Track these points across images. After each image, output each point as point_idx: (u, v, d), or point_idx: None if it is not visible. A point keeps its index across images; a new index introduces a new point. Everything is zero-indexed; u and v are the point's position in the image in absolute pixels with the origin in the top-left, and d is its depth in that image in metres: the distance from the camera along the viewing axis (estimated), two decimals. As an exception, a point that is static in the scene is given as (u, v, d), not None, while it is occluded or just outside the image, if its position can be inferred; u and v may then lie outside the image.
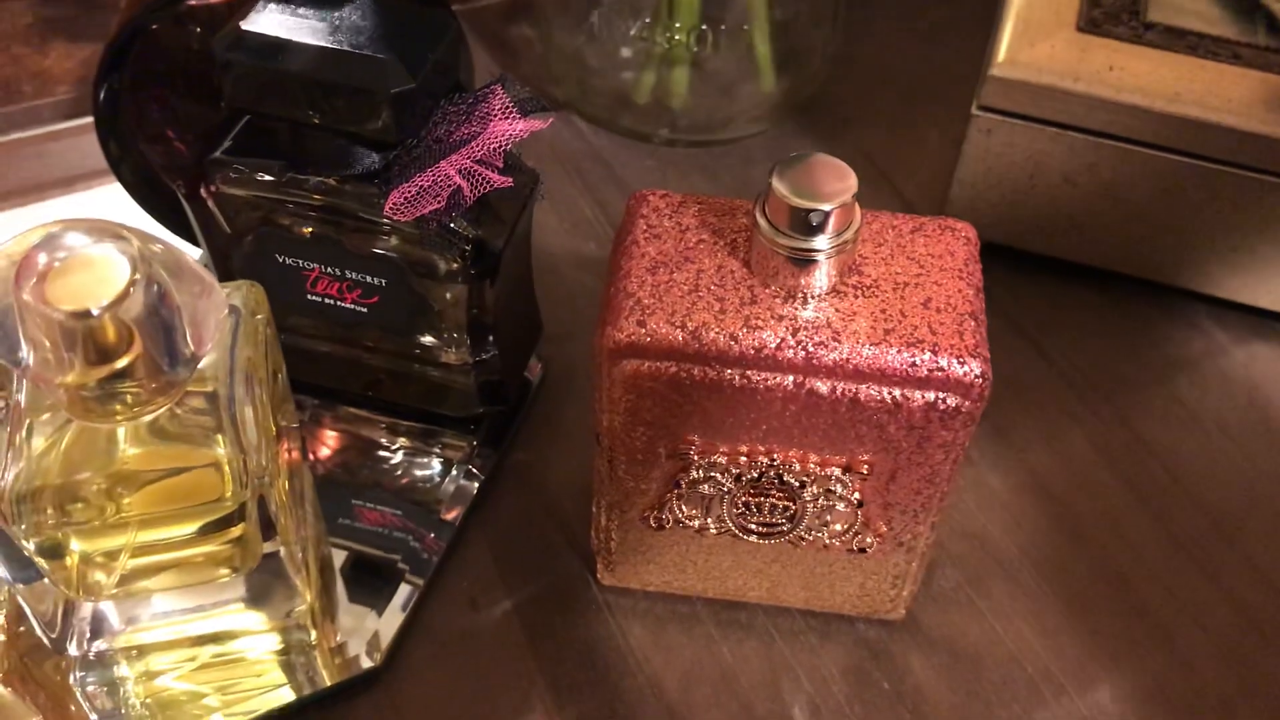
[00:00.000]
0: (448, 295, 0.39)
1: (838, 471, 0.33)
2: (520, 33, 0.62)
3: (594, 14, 0.54)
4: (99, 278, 0.30)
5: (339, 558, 0.42)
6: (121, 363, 0.31)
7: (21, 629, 0.37)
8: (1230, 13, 0.47)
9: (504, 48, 0.61)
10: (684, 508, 0.35)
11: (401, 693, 0.38)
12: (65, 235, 0.31)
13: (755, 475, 0.33)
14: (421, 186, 0.34)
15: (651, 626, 0.39)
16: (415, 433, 0.45)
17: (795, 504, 0.34)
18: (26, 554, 0.33)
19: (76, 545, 0.34)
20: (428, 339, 0.41)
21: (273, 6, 0.35)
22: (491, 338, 0.40)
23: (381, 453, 0.45)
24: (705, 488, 0.34)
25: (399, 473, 0.44)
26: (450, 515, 0.42)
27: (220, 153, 0.38)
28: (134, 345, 0.31)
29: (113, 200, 0.47)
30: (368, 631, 0.39)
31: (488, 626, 0.39)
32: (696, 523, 0.36)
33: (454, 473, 0.43)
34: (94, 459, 0.33)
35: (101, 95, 0.42)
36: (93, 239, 0.31)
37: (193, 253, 0.43)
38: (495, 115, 0.35)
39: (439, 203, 0.34)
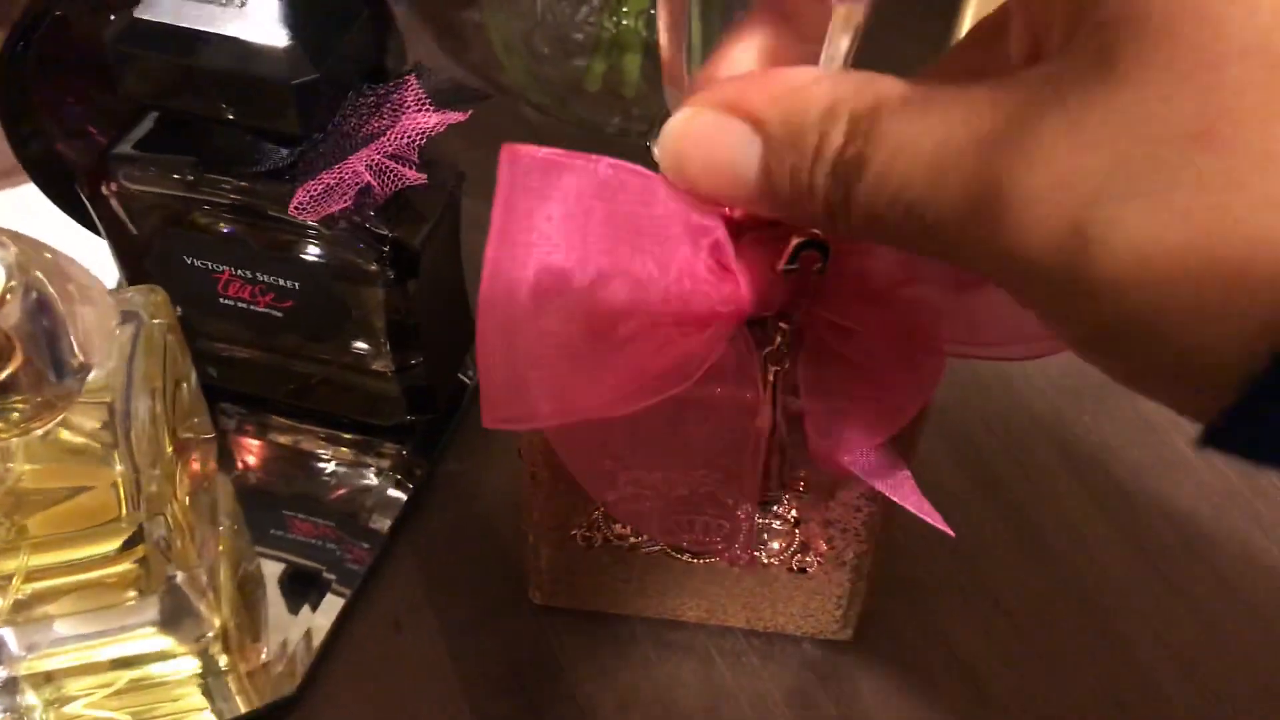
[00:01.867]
0: (368, 298, 0.37)
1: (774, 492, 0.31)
2: (470, 18, 0.59)
3: (541, -1, 0.52)
4: (-29, 287, 0.28)
5: (275, 569, 0.40)
6: (2, 375, 0.29)
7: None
8: None
9: (452, 34, 0.59)
10: (614, 526, 0.33)
11: (321, 716, 0.36)
12: (-63, 242, 0.29)
13: (685, 492, 0.31)
14: (328, 184, 0.32)
15: (586, 648, 0.37)
16: (348, 442, 0.43)
17: (729, 522, 0.32)
18: (-92, 582, 0.31)
19: (-33, 570, 0.33)
20: (358, 344, 0.39)
21: (170, -9, 0.33)
22: (417, 342, 0.38)
23: (314, 463, 0.43)
24: (633, 507, 0.32)
25: (332, 483, 0.42)
26: (379, 527, 0.40)
27: (126, 147, 0.36)
28: (14, 357, 0.29)
29: (32, 197, 0.44)
30: (291, 649, 0.37)
31: (412, 646, 0.37)
32: (628, 542, 0.34)
33: (385, 480, 0.41)
34: (-17, 478, 0.31)
35: (6, 86, 0.40)
36: (-35, 245, 0.29)
37: (105, 249, 0.41)
38: (409, 108, 0.33)
39: (347, 201, 0.32)
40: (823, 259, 0.26)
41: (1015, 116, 0.19)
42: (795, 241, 0.26)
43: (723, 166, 0.24)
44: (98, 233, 0.42)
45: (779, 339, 0.28)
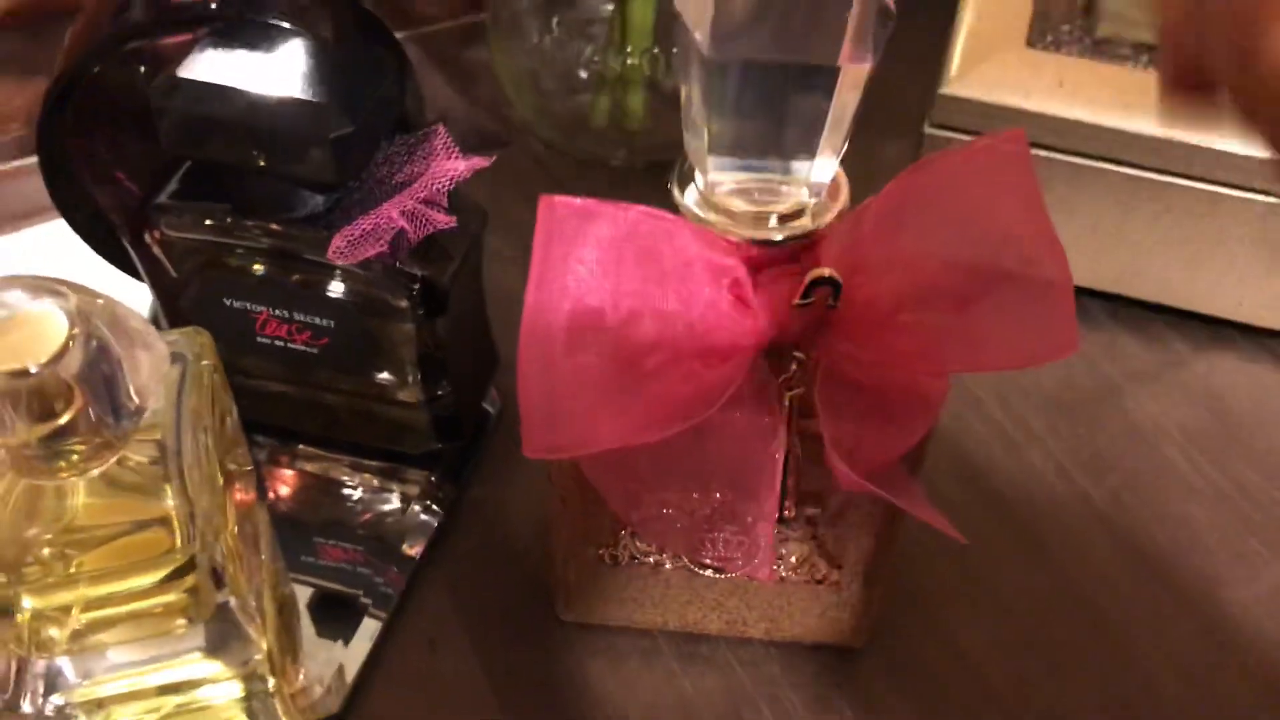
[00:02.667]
0: (398, 333, 0.39)
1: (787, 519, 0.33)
2: (477, 56, 0.61)
3: (547, 37, 0.54)
4: (36, 335, 0.30)
5: (305, 594, 0.41)
6: (63, 419, 0.31)
7: (-24, 687, 0.37)
8: (1180, 23, 0.47)
9: (460, 71, 0.61)
10: (638, 544, 0.35)
11: (363, 737, 0.38)
12: (2, 292, 0.30)
13: (708, 512, 0.33)
14: (364, 229, 0.34)
15: (612, 661, 0.39)
16: (376, 470, 0.45)
17: (749, 539, 0.34)
18: (-26, 616, 0.33)
19: (28, 602, 0.34)
20: (384, 376, 0.41)
21: (210, 50, 0.35)
22: (445, 374, 0.40)
23: (343, 490, 0.44)
24: (658, 526, 0.34)
25: (360, 510, 0.44)
26: (411, 551, 0.42)
27: (164, 197, 0.38)
28: (75, 401, 0.31)
29: (65, 239, 0.46)
30: (331, 671, 0.39)
31: (447, 664, 0.39)
32: (652, 559, 0.35)
33: (415, 507, 0.43)
34: (43, 514, 0.33)
35: (46, 138, 0.42)
36: (29, 296, 0.30)
37: (144, 293, 0.42)
38: (438, 154, 0.35)
39: (383, 246, 0.34)
40: (834, 294, 0.28)
41: None
42: (809, 278, 0.28)
43: None
44: (135, 276, 0.43)
45: (794, 367, 0.30)
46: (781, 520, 0.33)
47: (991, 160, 0.29)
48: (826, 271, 0.28)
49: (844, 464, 0.29)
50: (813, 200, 0.29)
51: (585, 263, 0.28)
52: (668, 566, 0.36)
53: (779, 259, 0.29)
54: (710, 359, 0.29)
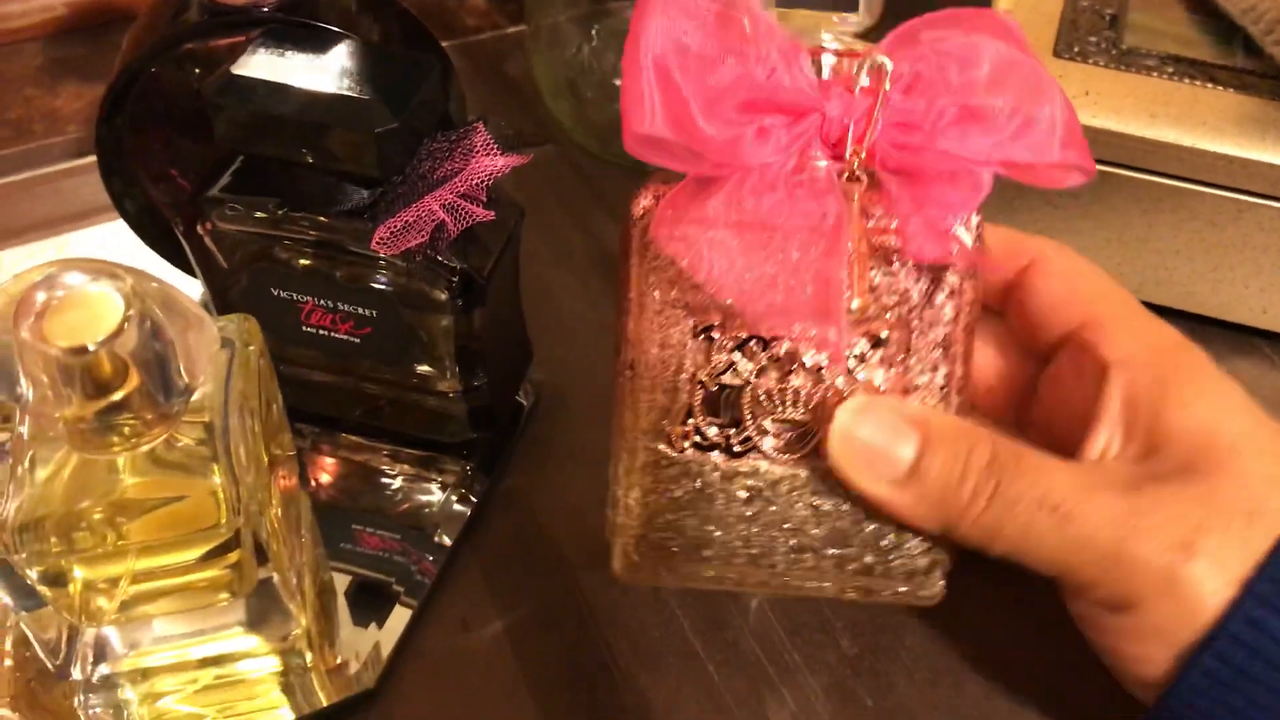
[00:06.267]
0: (437, 325, 0.40)
1: (859, 345, 0.34)
2: (515, 65, 0.63)
3: (585, 46, 0.55)
4: (94, 315, 0.32)
5: (344, 581, 0.43)
6: (118, 395, 0.32)
7: (28, 654, 0.38)
8: (1208, 35, 0.48)
9: (499, 80, 0.63)
10: (705, 419, 0.35)
11: (395, 712, 0.39)
12: (63, 274, 0.32)
13: (776, 356, 0.34)
14: (406, 221, 0.36)
15: (639, 646, 0.40)
16: (413, 459, 0.46)
17: (817, 389, 0.34)
18: (30, 583, 0.34)
19: (79, 573, 0.36)
20: (423, 368, 0.42)
21: (262, 51, 0.37)
22: (481, 365, 0.41)
23: (381, 479, 0.46)
24: (727, 377, 0.34)
25: (398, 498, 0.45)
26: (444, 539, 0.43)
27: (215, 190, 0.39)
28: (130, 379, 0.32)
29: (121, 236, 0.48)
30: (365, 652, 0.40)
31: (479, 648, 0.40)
32: (714, 430, 0.35)
33: (450, 496, 0.44)
34: (95, 488, 0.34)
35: (104, 136, 0.44)
36: (89, 277, 0.32)
37: (194, 286, 0.44)
38: (477, 151, 0.36)
39: (423, 237, 0.36)
40: (886, 77, 0.31)
41: (1139, 505, 0.32)
42: (865, 59, 0.31)
43: (878, 449, 0.33)
44: (186, 270, 0.45)
45: (855, 161, 0.32)
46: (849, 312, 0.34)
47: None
48: (880, 56, 0.31)
49: (909, 226, 0.31)
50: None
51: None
52: (736, 448, 0.35)
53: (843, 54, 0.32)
54: (776, 109, 0.31)
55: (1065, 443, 0.35)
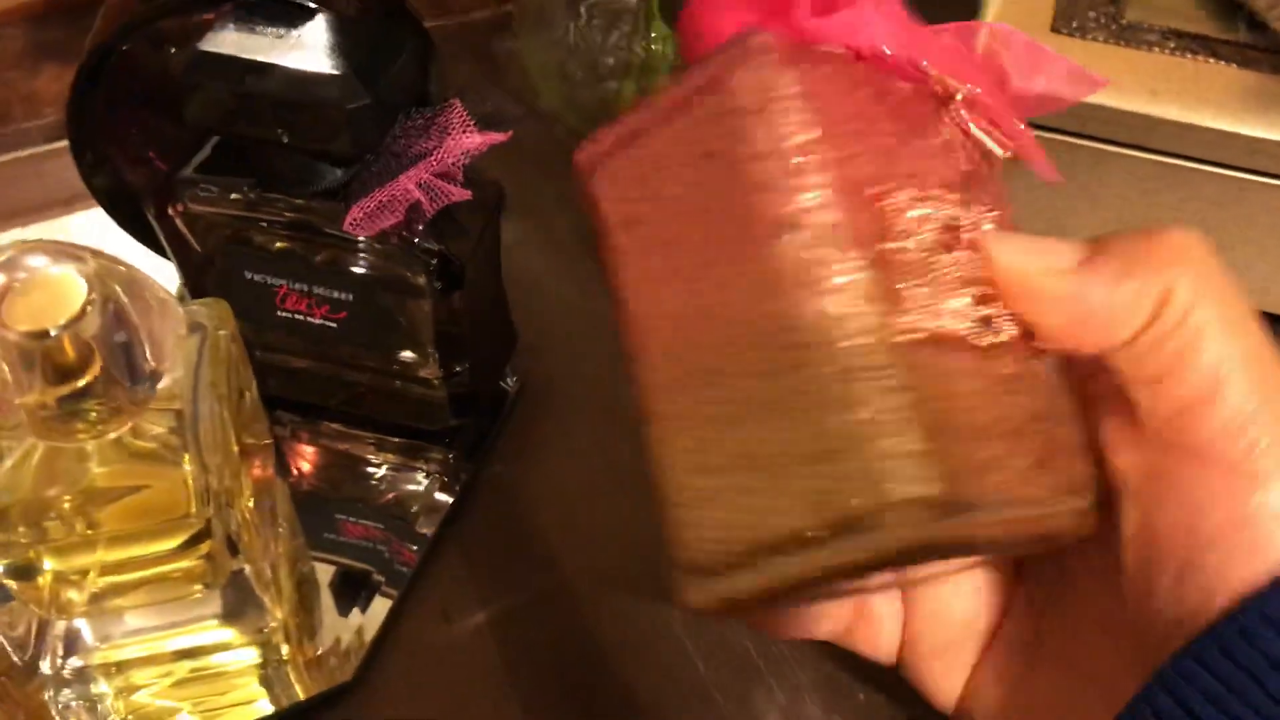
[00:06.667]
0: (417, 309, 0.39)
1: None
2: (505, 46, 0.62)
3: (572, 25, 0.54)
4: (56, 297, 0.31)
5: (327, 572, 0.42)
6: (81, 382, 0.31)
7: (-2, 649, 0.37)
8: (1210, 10, 0.47)
9: (489, 61, 0.61)
10: None
11: (374, 704, 0.38)
12: (24, 257, 0.31)
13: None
14: (380, 201, 0.35)
15: (625, 638, 0.39)
16: (397, 447, 0.45)
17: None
18: (-4, 576, 0.34)
19: (49, 564, 0.35)
20: (405, 354, 0.41)
21: (231, 26, 0.36)
22: (463, 349, 0.40)
23: (364, 468, 0.45)
24: None
25: (381, 487, 0.44)
26: (426, 529, 0.42)
27: (188, 171, 0.38)
28: (93, 364, 0.31)
29: (101, 221, 0.47)
30: (345, 644, 0.39)
31: (460, 639, 0.39)
32: None
33: (431, 484, 0.43)
34: (63, 476, 0.34)
35: (74, 115, 0.43)
36: (50, 260, 0.31)
37: (170, 271, 0.43)
38: (454, 129, 0.35)
39: (398, 217, 0.35)
40: None
41: None
42: None
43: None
44: (161, 253, 0.44)
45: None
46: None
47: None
48: None
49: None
50: None
51: None
52: None
53: None
54: None
55: None
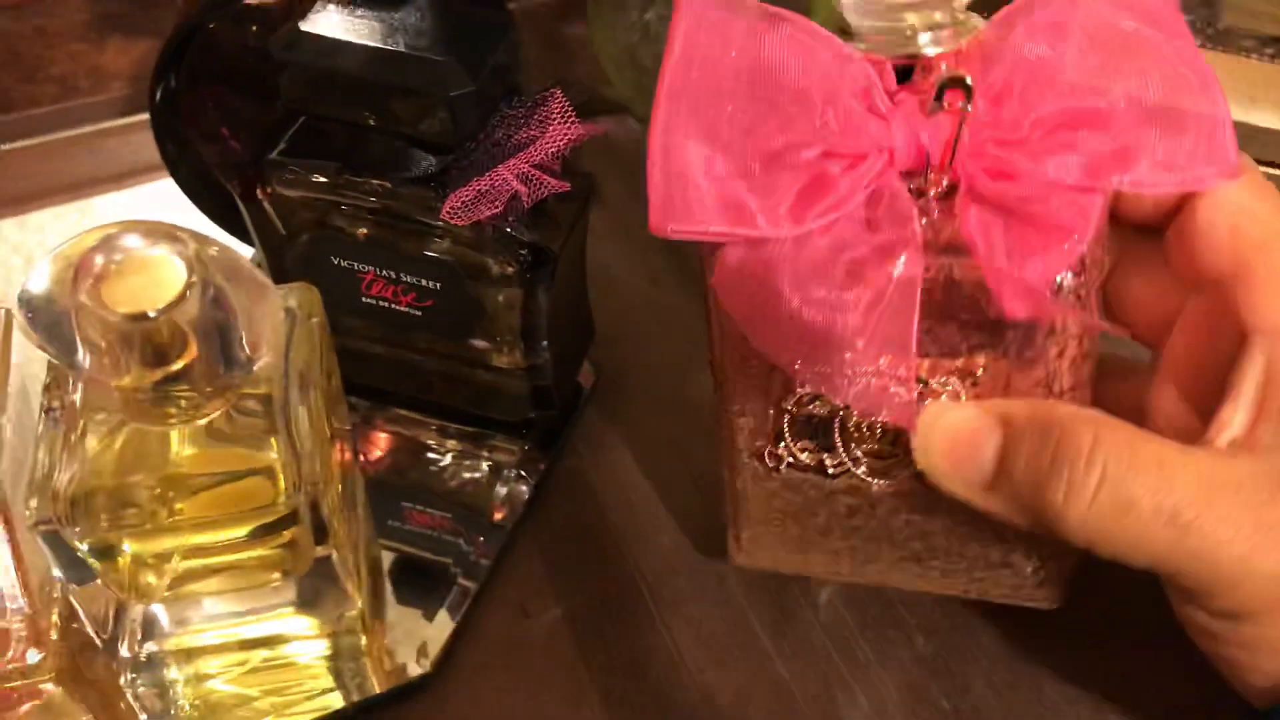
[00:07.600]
0: (501, 299, 0.38)
1: (950, 381, 0.31)
2: (574, 32, 0.61)
3: (649, 11, 0.53)
4: (156, 280, 0.30)
5: (385, 560, 0.41)
6: (177, 365, 0.31)
7: (74, 627, 0.37)
8: (1307, 16, 0.46)
9: (557, 47, 0.61)
10: (798, 442, 0.33)
11: (451, 700, 0.38)
12: (122, 237, 0.31)
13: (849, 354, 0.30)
14: (479, 190, 0.34)
15: (705, 640, 0.39)
16: (465, 436, 0.45)
17: (892, 377, 0.31)
18: (79, 555, 0.33)
19: (128, 547, 0.34)
20: (480, 342, 0.41)
21: (331, 7, 0.35)
22: (545, 342, 0.40)
23: (431, 455, 0.44)
24: (815, 406, 0.32)
25: (448, 476, 0.44)
26: (501, 519, 0.42)
27: (277, 153, 0.38)
28: (189, 348, 0.31)
29: (167, 197, 0.46)
30: (417, 636, 0.39)
31: (538, 634, 0.39)
32: (806, 455, 0.33)
33: (506, 475, 0.43)
34: (147, 461, 0.33)
35: (158, 94, 0.42)
36: (149, 241, 0.31)
37: (246, 253, 0.43)
38: (554, 119, 0.35)
39: (496, 207, 0.34)
40: (967, 96, 0.27)
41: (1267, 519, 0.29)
42: (940, 79, 0.27)
43: (964, 448, 0.30)
44: (241, 235, 0.44)
45: (932, 191, 0.29)
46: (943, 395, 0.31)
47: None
48: (959, 72, 0.27)
49: (997, 278, 0.28)
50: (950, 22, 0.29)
51: (727, 46, 0.29)
52: (830, 472, 0.33)
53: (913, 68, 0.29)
54: (839, 158, 0.28)
55: (1191, 393, 0.32)
